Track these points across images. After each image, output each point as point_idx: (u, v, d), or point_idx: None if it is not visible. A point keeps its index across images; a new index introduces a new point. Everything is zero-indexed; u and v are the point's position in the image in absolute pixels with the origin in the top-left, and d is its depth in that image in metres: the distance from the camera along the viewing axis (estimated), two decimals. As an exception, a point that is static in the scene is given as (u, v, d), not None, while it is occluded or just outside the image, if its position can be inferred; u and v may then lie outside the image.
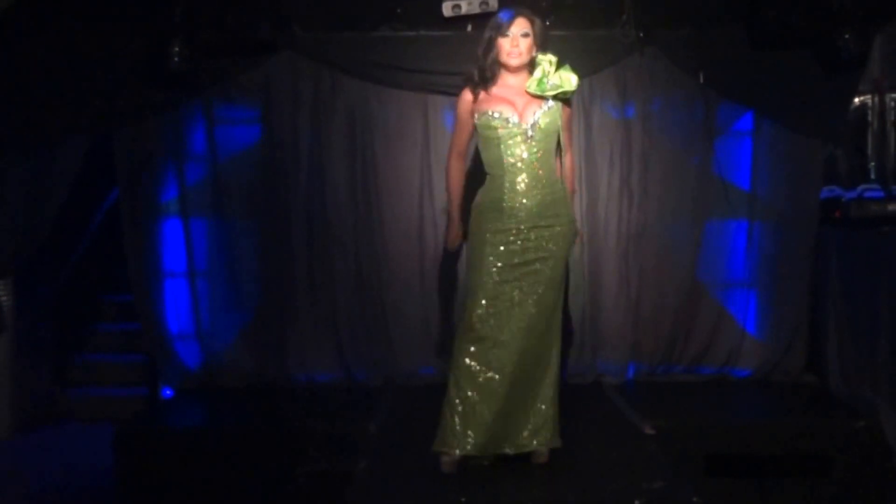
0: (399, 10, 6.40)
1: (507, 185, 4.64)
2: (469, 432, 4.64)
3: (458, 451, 4.66)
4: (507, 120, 4.61)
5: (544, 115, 4.62)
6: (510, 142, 4.61)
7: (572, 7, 6.31)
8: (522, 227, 4.65)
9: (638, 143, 6.59)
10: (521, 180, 4.63)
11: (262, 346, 6.72)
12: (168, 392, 6.67)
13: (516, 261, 4.65)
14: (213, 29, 6.07)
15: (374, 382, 6.64)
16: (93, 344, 7.70)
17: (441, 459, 4.70)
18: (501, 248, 4.65)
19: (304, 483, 5.32)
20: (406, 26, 6.44)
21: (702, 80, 6.48)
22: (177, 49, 5.99)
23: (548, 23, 6.03)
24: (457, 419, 4.66)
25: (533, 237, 4.65)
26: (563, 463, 4.80)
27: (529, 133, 4.60)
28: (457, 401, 4.67)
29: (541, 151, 4.63)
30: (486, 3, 6.14)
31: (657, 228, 6.69)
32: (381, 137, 6.62)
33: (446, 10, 6.20)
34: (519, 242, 4.65)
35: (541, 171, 4.64)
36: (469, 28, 6.28)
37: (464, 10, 6.16)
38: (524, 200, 4.63)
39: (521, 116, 4.61)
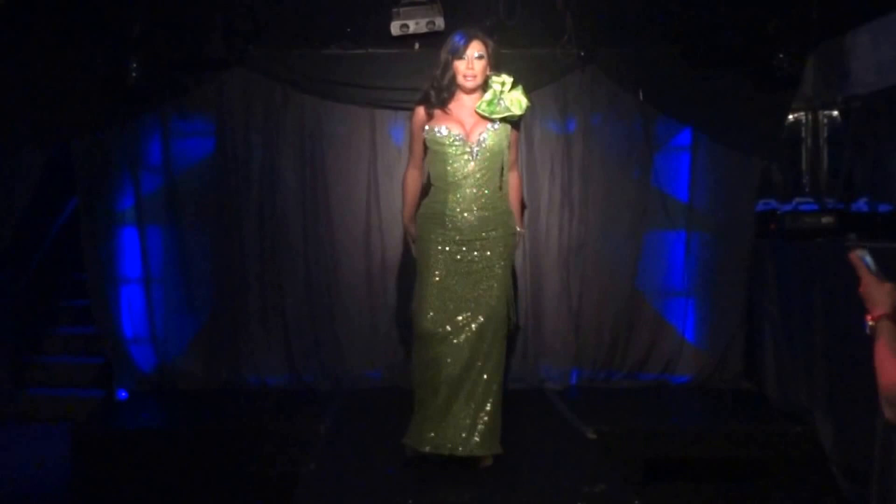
0: (349, 29, 6.49)
1: (449, 198, 4.76)
2: (431, 432, 4.77)
3: (418, 448, 4.79)
4: (454, 137, 4.72)
5: (490, 134, 4.74)
6: (455, 158, 4.73)
7: (516, 26, 6.36)
8: (463, 238, 4.76)
9: (578, 156, 6.68)
10: (463, 196, 4.75)
11: (214, 350, 6.81)
12: (123, 394, 6.71)
13: (461, 269, 4.77)
14: (170, 45, 6.17)
15: (323, 385, 6.71)
16: (51, 346, 7.75)
17: (406, 446, 4.88)
18: (445, 256, 4.78)
19: (255, 483, 5.38)
20: (355, 44, 6.54)
21: (641, 97, 6.57)
22: (134, 64, 6.07)
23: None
24: (419, 417, 4.81)
25: (476, 248, 4.77)
26: (508, 466, 4.88)
27: (475, 151, 4.72)
28: (418, 400, 4.82)
29: (485, 169, 4.75)
30: (433, 23, 6.22)
31: (598, 239, 6.78)
32: (330, 150, 6.72)
33: (394, 29, 6.27)
34: (462, 252, 4.77)
35: (483, 189, 4.77)
36: (416, 46, 6.40)
37: (411, 29, 6.24)
38: (465, 215, 4.75)
39: (468, 135, 4.73)
